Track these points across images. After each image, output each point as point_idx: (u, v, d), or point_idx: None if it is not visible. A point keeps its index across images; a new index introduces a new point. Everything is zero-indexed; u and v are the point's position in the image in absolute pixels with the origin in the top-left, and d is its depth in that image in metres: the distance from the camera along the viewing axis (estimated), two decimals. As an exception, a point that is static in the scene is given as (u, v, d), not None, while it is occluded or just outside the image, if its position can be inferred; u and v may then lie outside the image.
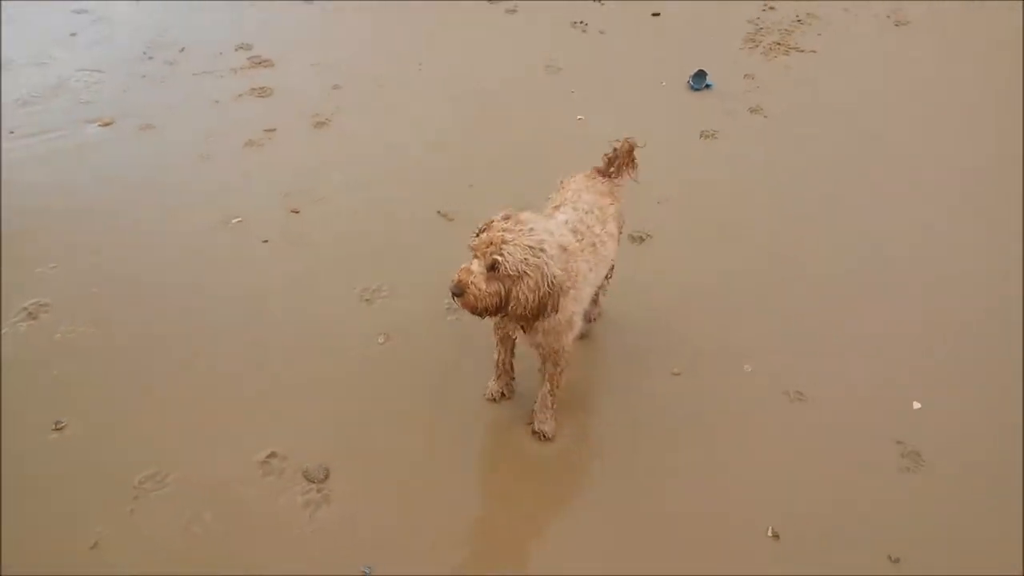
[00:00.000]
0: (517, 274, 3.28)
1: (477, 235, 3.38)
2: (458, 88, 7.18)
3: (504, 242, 3.27)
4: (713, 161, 6.39)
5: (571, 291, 3.56)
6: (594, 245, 3.78)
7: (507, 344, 4.12)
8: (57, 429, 4.06)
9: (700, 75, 7.23)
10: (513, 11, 8.57)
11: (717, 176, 6.21)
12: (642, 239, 5.49)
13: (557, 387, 4.01)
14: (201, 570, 3.49)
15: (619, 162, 4.17)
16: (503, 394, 4.27)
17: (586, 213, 3.86)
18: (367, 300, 4.92)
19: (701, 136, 6.66)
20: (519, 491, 3.87)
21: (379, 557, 3.54)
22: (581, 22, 8.36)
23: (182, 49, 7.67)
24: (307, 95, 7.01)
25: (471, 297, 3.31)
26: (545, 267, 3.29)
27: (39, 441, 4.00)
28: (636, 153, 4.22)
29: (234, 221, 5.51)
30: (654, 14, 8.57)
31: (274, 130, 6.53)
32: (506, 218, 3.38)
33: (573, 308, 3.65)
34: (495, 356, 4.16)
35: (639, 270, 5.09)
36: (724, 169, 6.29)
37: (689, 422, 4.25)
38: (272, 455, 3.98)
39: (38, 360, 4.41)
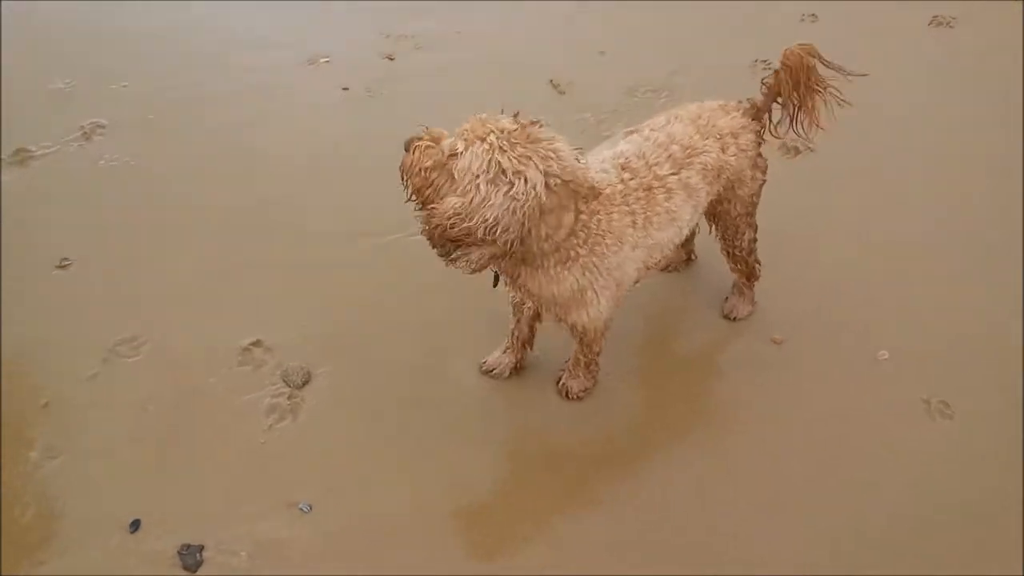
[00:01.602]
0: (460, 182, 2.36)
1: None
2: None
3: (481, 138, 2.33)
4: (944, 63, 4.75)
5: (582, 252, 2.58)
6: (650, 190, 2.71)
7: (521, 311, 3.19)
8: (61, 267, 3.76)
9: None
10: None
11: (941, 87, 4.60)
12: (798, 151, 4.19)
13: (587, 355, 3.10)
14: (136, 455, 3.07)
15: (789, 95, 2.90)
16: (513, 369, 3.30)
17: (656, 147, 2.78)
18: (427, 177, 4.13)
19: (931, 23, 4.98)
20: (526, 475, 3.03)
21: (317, 497, 2.93)
22: None
23: None
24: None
25: (407, 160, 2.47)
26: (494, 201, 2.31)
27: (42, 275, 3.73)
28: (819, 79, 2.88)
29: (322, 61, 4.85)
30: None
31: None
32: (520, 123, 2.39)
33: (588, 280, 2.66)
34: (510, 323, 3.25)
35: (776, 191, 3.87)
36: (953, 74, 4.64)
37: (781, 411, 3.19)
38: (257, 343, 3.43)
39: (73, 189, 4.12)
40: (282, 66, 4.84)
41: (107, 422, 3.16)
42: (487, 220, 2.32)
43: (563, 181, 2.42)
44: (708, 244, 3.49)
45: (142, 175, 4.18)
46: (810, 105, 2.91)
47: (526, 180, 2.32)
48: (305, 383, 3.30)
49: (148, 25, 5.21)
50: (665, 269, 3.70)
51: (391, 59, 4.84)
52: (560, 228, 2.51)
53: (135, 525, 2.87)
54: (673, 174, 2.77)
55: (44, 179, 4.16)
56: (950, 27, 5.00)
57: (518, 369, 3.32)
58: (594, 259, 2.64)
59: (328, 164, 4.23)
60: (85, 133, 4.39)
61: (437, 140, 2.44)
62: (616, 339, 3.29)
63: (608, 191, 2.65)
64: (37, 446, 3.06)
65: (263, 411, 3.20)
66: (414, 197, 2.52)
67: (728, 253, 3.31)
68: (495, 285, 2.84)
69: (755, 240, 3.30)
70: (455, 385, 3.28)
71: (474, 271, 2.52)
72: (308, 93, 4.67)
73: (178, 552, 2.79)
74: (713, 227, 3.24)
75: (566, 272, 2.63)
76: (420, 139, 2.45)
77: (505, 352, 3.31)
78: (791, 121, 2.96)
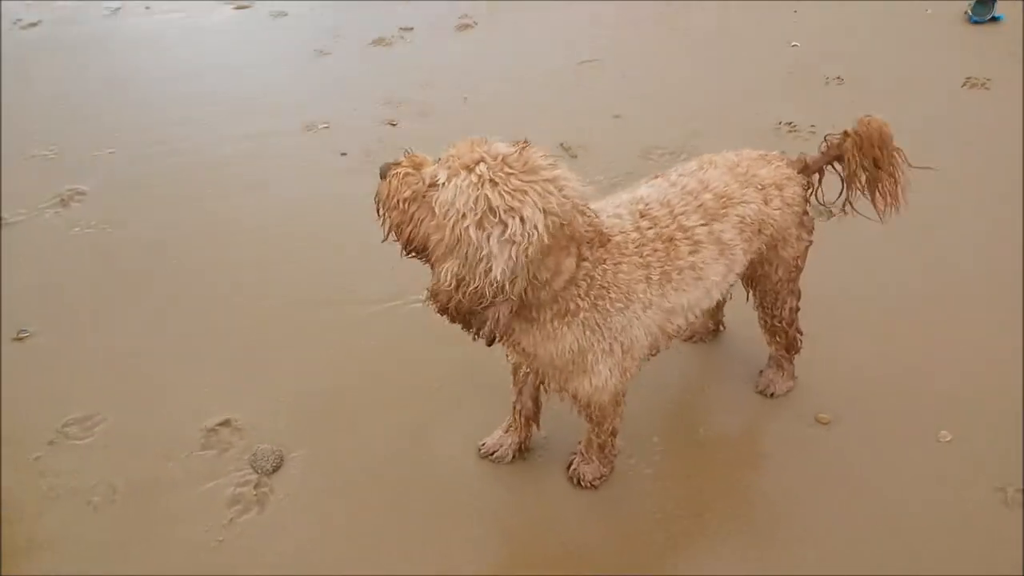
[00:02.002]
0: (443, 224, 1.95)
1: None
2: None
3: (466, 168, 1.92)
4: (975, 119, 4.42)
5: (582, 306, 2.17)
6: (671, 242, 2.30)
7: (522, 378, 2.73)
8: (18, 339, 3.39)
9: (986, 1, 5.14)
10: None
11: (974, 140, 4.25)
12: (831, 213, 3.79)
13: (600, 436, 2.64)
14: (72, 555, 2.61)
15: (859, 164, 2.53)
16: (516, 452, 2.84)
17: (685, 194, 2.38)
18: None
19: (965, 84, 4.67)
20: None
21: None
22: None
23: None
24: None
25: (383, 189, 2.07)
26: (487, 251, 1.92)
27: (-4, 345, 3.36)
28: (896, 156, 2.53)
29: (320, 126, 4.58)
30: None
31: (411, 29, 5.49)
32: (519, 146, 2.00)
33: (589, 341, 2.24)
34: (511, 395, 2.80)
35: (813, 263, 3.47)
36: (989, 132, 4.30)
37: (832, 503, 2.68)
38: (225, 423, 3.01)
39: (41, 256, 3.80)
40: (278, 132, 4.58)
41: (43, 516, 2.72)
42: (492, 275, 1.92)
43: (562, 223, 2.03)
44: (738, 309, 3.08)
45: (117, 244, 3.86)
46: (887, 179, 2.54)
47: (523, 220, 1.92)
48: (276, 469, 2.85)
49: (140, 91, 5.00)
50: (689, 339, 3.27)
51: (393, 124, 4.57)
52: (559, 274, 2.10)
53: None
54: (703, 225, 2.35)
55: (11, 246, 3.84)
56: (985, 88, 4.67)
57: (522, 451, 2.86)
58: (596, 316, 2.22)
59: (314, 231, 3.90)
60: (63, 200, 4.11)
61: (418, 167, 2.05)
62: (635, 417, 2.85)
63: (619, 238, 2.24)
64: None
65: (224, 502, 2.75)
66: (393, 235, 2.12)
67: (766, 324, 2.88)
68: (490, 343, 2.43)
69: (797, 309, 2.87)
70: (449, 472, 2.82)
71: (501, 336, 2.12)
72: (303, 159, 4.38)
73: None
74: (750, 294, 2.83)
75: (564, 328, 2.21)
76: (398, 165, 2.07)
77: (507, 431, 2.86)
78: (848, 189, 2.59)
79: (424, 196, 2.00)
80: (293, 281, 3.59)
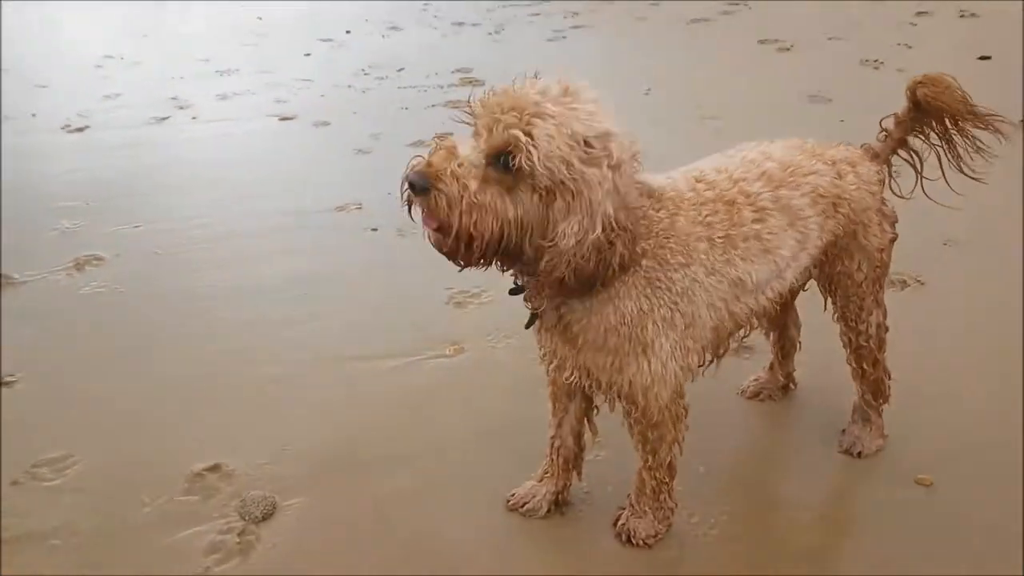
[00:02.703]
0: (553, 184, 1.67)
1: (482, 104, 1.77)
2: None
3: (539, 116, 1.66)
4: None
5: (644, 256, 1.86)
6: (732, 204, 2.01)
7: (568, 402, 2.29)
8: (4, 383, 3.06)
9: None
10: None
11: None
12: (905, 283, 3.45)
13: (655, 470, 2.18)
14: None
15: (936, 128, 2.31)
16: (552, 503, 2.37)
17: (745, 162, 2.12)
18: (457, 304, 3.47)
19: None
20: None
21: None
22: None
23: (400, 69, 7.07)
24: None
25: (442, 201, 1.69)
26: (608, 184, 1.69)
27: (-22, 389, 3.03)
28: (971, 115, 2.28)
29: (352, 208, 4.44)
30: (982, 57, 6.41)
31: (451, 133, 5.46)
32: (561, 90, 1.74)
33: (649, 304, 1.90)
34: (549, 430, 2.36)
35: (893, 326, 3.06)
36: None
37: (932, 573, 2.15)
38: (214, 468, 2.59)
39: (43, 309, 3.55)
40: (308, 211, 4.43)
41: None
42: (609, 214, 1.70)
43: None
44: (811, 364, 2.69)
45: (125, 302, 3.60)
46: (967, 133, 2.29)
47: (618, 141, 1.73)
48: (266, 517, 2.41)
49: (177, 178, 4.95)
50: (756, 396, 2.83)
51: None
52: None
53: None
54: (769, 191, 2.06)
55: (14, 301, 3.61)
56: None
57: (559, 504, 2.39)
58: (656, 268, 1.89)
59: (337, 293, 3.62)
60: (78, 264, 3.91)
61: (453, 151, 1.74)
62: (696, 475, 2.41)
63: (672, 194, 1.96)
64: None
65: (202, 550, 2.29)
66: (471, 254, 1.75)
67: (851, 344, 2.46)
68: (529, 325, 2.06)
69: (886, 328, 2.46)
70: (470, 531, 2.36)
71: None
72: (332, 233, 4.19)
73: None
74: (830, 303, 2.45)
75: (630, 281, 1.87)
76: (433, 167, 1.71)
77: (542, 480, 2.40)
78: (943, 158, 2.35)
79: (486, 178, 1.70)
80: (312, 339, 3.27)
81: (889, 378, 2.53)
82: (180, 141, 5.61)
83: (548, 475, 2.38)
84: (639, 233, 1.81)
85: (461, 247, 1.74)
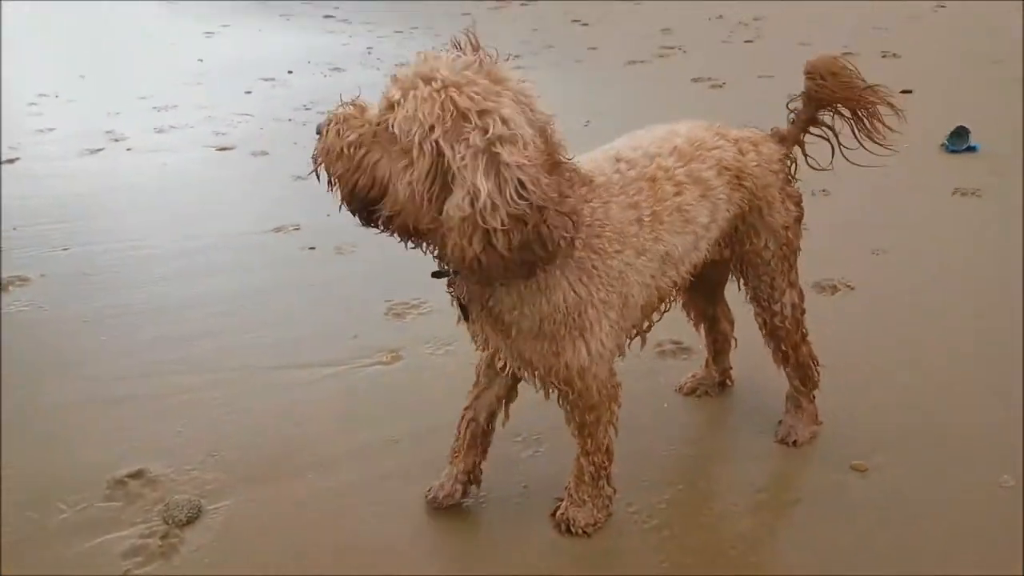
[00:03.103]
0: (414, 148, 1.66)
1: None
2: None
3: (425, 80, 1.65)
4: (965, 221, 4.29)
5: (576, 249, 1.84)
6: (654, 181, 2.05)
7: (493, 377, 2.27)
8: (-85, 398, 2.91)
9: (960, 133, 5.23)
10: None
11: (965, 237, 4.08)
12: (836, 289, 3.53)
13: (594, 454, 2.18)
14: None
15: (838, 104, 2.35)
16: (465, 484, 2.34)
17: (656, 139, 2.16)
18: (396, 314, 3.43)
19: (955, 193, 4.60)
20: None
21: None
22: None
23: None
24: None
25: (321, 147, 1.77)
26: (482, 161, 1.63)
27: None
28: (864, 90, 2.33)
29: (291, 228, 4.39)
30: (904, 91, 6.69)
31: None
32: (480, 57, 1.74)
33: (587, 290, 1.90)
34: (465, 402, 2.35)
35: (824, 328, 3.11)
36: (978, 232, 4.15)
37: (882, 563, 2.16)
38: (137, 475, 2.49)
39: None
40: (245, 232, 4.36)
41: None
42: (480, 194, 1.61)
43: (546, 139, 1.76)
44: (745, 360, 2.72)
45: (48, 320, 3.47)
46: (867, 116, 2.34)
47: (504, 120, 1.64)
48: (191, 520, 2.31)
49: (104, 206, 4.83)
50: (692, 392, 2.84)
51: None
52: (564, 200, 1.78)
53: None
54: (681, 166, 2.11)
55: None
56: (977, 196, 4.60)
57: (473, 483, 2.35)
58: (592, 258, 1.89)
59: (274, 307, 3.55)
60: (3, 284, 3.76)
61: (361, 110, 1.78)
62: (635, 460, 2.39)
63: (602, 180, 1.98)
64: None
65: (121, 553, 2.19)
66: (342, 196, 1.79)
67: (766, 325, 2.48)
68: (465, 319, 2.03)
69: (802, 311, 2.49)
70: (401, 528, 2.30)
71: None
72: (269, 253, 4.13)
73: None
74: (742, 284, 2.48)
75: (557, 274, 1.86)
76: (331, 118, 1.78)
77: (452, 461, 2.35)
78: (854, 129, 2.37)
79: (375, 136, 1.71)
80: (245, 351, 3.19)
81: (817, 364, 2.57)
82: (114, 171, 5.50)
83: (456, 455, 2.33)
84: (565, 223, 1.73)
85: (343, 195, 1.79)
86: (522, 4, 12.02)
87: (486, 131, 1.63)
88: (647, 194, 2.02)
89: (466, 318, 2.02)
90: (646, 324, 2.23)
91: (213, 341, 3.28)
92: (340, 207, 1.83)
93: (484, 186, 1.61)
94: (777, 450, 2.57)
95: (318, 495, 2.41)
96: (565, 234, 1.72)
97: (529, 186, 1.62)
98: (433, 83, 1.65)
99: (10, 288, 3.75)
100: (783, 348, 2.49)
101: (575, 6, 11.29)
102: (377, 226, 1.80)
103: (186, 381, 3.00)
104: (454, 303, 2.02)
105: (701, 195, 2.13)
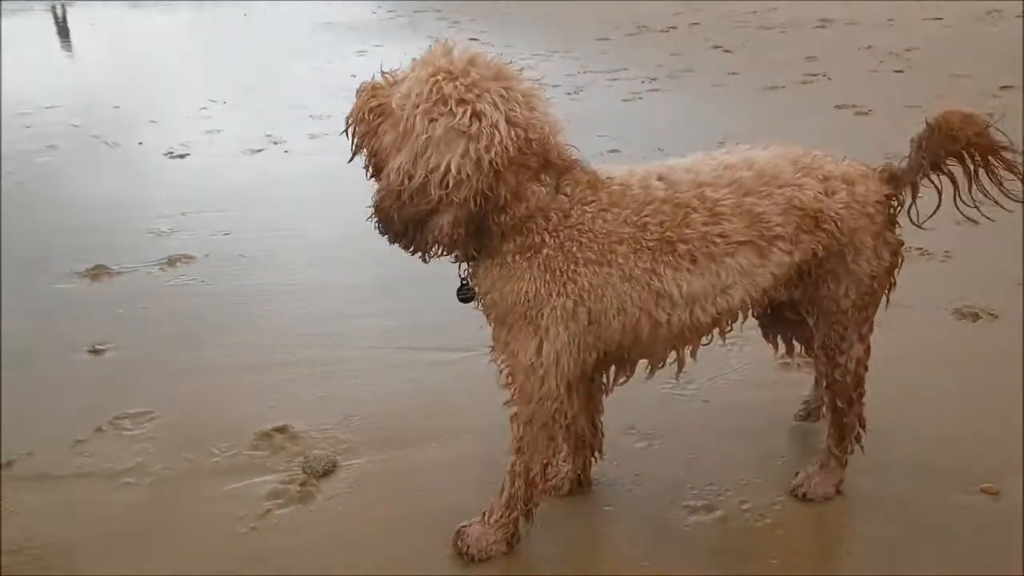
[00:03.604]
0: (399, 122, 1.84)
1: None
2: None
3: (426, 66, 1.85)
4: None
5: (547, 242, 1.91)
6: (682, 208, 1.93)
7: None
8: (94, 351, 3.29)
9: None
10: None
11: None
12: (977, 316, 3.40)
13: (515, 474, 2.12)
14: (89, 521, 2.31)
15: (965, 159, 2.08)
16: (572, 484, 2.38)
17: (719, 166, 2.02)
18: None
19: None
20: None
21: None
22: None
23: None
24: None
25: (353, 108, 1.97)
26: (443, 145, 1.78)
27: (70, 356, 3.27)
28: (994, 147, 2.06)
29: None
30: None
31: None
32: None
33: (547, 289, 1.90)
34: None
35: (962, 354, 3.01)
36: None
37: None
38: (281, 429, 2.73)
39: (132, 292, 3.81)
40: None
41: (65, 490, 2.45)
42: (433, 167, 1.77)
43: (527, 137, 1.83)
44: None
45: (209, 292, 3.85)
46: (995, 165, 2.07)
47: (477, 114, 1.77)
48: (327, 473, 2.52)
49: (270, 190, 5.25)
50: (806, 419, 2.69)
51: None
52: (522, 200, 1.87)
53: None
54: (731, 199, 1.96)
55: (109, 287, 3.89)
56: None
57: (582, 485, 2.41)
58: (560, 259, 1.90)
59: (407, 293, 3.75)
60: (171, 261, 4.18)
61: (390, 83, 1.94)
62: (753, 462, 2.40)
63: (616, 188, 1.96)
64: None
65: (264, 495, 2.41)
66: (366, 158, 1.97)
67: (827, 376, 2.27)
68: (465, 298, 2.11)
69: (865, 367, 2.26)
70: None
71: (444, 252, 1.94)
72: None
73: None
74: (813, 331, 2.24)
75: (524, 264, 1.91)
76: (369, 82, 1.96)
77: (565, 460, 2.40)
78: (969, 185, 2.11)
79: (388, 104, 1.88)
80: (383, 330, 3.41)
81: (863, 428, 2.36)
82: (272, 169, 5.96)
83: (570, 456, 2.38)
84: (491, 227, 1.86)
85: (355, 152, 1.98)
86: (662, 31, 12.10)
87: (454, 118, 1.77)
88: (663, 219, 1.92)
89: (463, 298, 2.11)
90: (672, 358, 2.13)
91: (349, 322, 3.51)
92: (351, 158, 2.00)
93: (436, 163, 1.77)
94: (906, 467, 2.51)
95: (438, 463, 2.56)
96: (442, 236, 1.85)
97: (450, 183, 1.77)
98: (429, 68, 1.81)
99: (178, 264, 4.16)
100: (837, 403, 2.29)
101: (716, 33, 11.27)
102: None
103: (325, 354, 3.24)
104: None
105: (747, 234, 1.96)
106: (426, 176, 1.77)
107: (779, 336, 2.49)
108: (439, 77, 1.79)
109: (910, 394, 2.77)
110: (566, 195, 1.91)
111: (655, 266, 1.92)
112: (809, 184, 2.02)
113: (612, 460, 2.51)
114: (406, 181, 1.79)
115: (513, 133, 1.79)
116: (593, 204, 1.92)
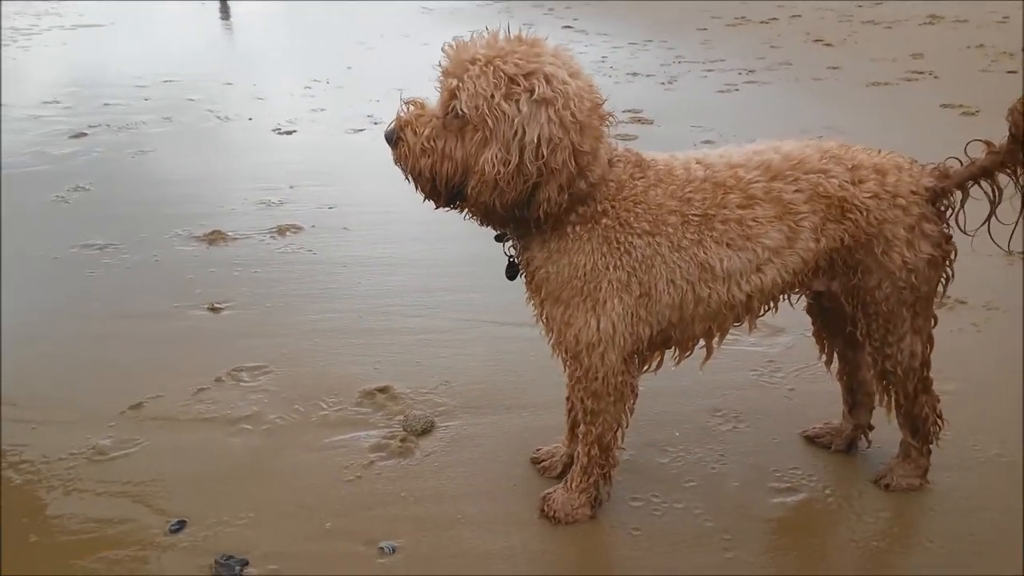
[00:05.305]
0: (479, 121, 1.85)
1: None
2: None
3: (472, 61, 1.85)
4: None
5: (607, 211, 1.98)
6: (719, 187, 2.02)
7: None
8: (213, 309, 3.55)
9: None
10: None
11: None
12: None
13: (590, 444, 2.20)
14: (209, 461, 2.54)
15: None
16: (564, 467, 2.44)
17: (750, 153, 2.10)
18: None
19: None
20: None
21: (406, 544, 2.20)
22: None
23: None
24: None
25: (404, 149, 1.95)
26: (526, 115, 1.81)
27: (192, 311, 3.56)
28: None
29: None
30: None
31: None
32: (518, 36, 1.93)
33: (605, 261, 1.98)
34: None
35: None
36: None
37: None
38: (384, 390, 2.91)
39: (255, 259, 4.09)
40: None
41: (189, 432, 2.70)
42: (528, 141, 1.81)
43: (591, 86, 1.93)
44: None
45: (317, 259, 4.09)
46: None
47: (547, 77, 1.83)
48: (425, 431, 2.69)
49: (370, 167, 5.48)
50: (814, 440, 2.61)
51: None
52: (597, 160, 1.93)
53: (179, 525, 2.26)
54: (761, 181, 2.04)
55: (225, 251, 4.17)
56: None
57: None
58: (618, 230, 1.97)
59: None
60: (280, 230, 4.45)
61: (421, 107, 1.97)
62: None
63: (662, 167, 2.05)
64: (110, 439, 2.66)
65: (369, 447, 2.59)
66: (426, 188, 1.99)
67: (876, 364, 2.25)
68: (512, 276, 2.18)
69: (923, 361, 2.23)
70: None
71: (546, 217, 1.93)
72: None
73: (216, 561, 2.11)
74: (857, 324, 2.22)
75: (584, 236, 1.98)
76: (399, 121, 1.97)
77: (564, 443, 2.51)
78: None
79: (444, 127, 1.91)
80: (475, 305, 3.56)
81: (939, 420, 2.34)
82: (373, 148, 6.18)
83: (565, 439, 2.48)
84: (580, 184, 1.91)
85: (427, 188, 1.97)
86: (762, 22, 11.90)
87: (532, 92, 1.82)
88: (706, 196, 2.01)
89: (511, 275, 2.17)
90: (691, 340, 2.17)
91: (446, 295, 3.69)
92: (424, 199, 2.02)
93: (531, 138, 1.81)
94: (992, 465, 2.51)
95: (527, 430, 2.70)
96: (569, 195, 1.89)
97: (545, 152, 1.81)
98: (479, 62, 1.85)
99: (287, 233, 4.42)
100: (897, 396, 2.28)
101: (818, 26, 11.04)
102: (459, 208, 2.01)
103: (423, 324, 3.42)
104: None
105: (776, 216, 2.03)
106: (521, 154, 1.82)
107: (827, 334, 2.46)
108: (494, 64, 1.82)
109: (1000, 393, 2.75)
110: (620, 167, 2.01)
111: (701, 237, 2.01)
112: (835, 172, 2.05)
113: (697, 439, 2.60)
114: (502, 168, 1.83)
115: (578, 85, 1.88)
116: (643, 180, 2.01)
